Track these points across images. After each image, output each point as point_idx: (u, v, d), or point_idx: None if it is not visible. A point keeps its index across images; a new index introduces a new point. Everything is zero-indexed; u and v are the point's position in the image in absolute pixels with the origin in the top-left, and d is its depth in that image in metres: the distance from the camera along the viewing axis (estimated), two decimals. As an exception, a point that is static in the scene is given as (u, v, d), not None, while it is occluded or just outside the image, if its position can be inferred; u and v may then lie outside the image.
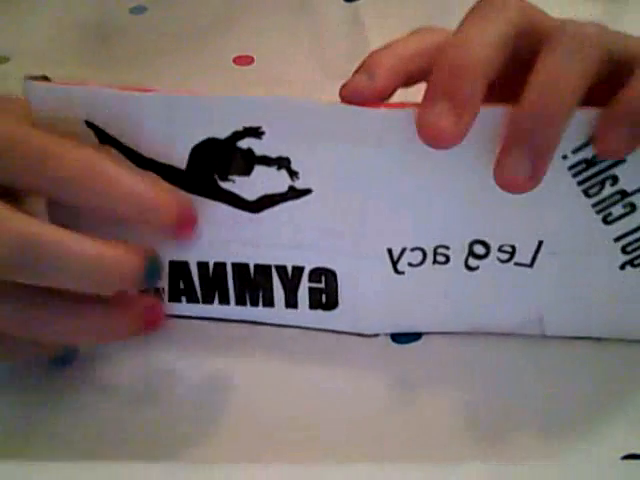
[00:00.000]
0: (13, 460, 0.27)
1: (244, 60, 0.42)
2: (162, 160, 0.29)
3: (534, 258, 0.29)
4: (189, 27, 0.45)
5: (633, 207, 0.28)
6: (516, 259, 0.29)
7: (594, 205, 0.28)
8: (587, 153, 0.27)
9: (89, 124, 0.28)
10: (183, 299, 0.32)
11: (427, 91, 0.26)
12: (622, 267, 0.29)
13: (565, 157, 0.27)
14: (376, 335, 0.32)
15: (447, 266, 0.30)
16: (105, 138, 0.28)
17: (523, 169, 0.25)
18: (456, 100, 0.25)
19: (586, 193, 0.28)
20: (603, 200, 0.28)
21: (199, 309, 0.32)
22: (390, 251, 0.29)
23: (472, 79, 0.25)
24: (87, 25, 0.43)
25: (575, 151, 0.27)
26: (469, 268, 0.30)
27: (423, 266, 0.30)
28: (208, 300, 0.32)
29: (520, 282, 0.30)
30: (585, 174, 0.27)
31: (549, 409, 0.30)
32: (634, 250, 0.29)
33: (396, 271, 0.30)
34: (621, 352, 0.31)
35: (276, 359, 0.31)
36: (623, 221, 0.28)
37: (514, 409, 0.30)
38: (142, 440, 0.29)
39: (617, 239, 0.29)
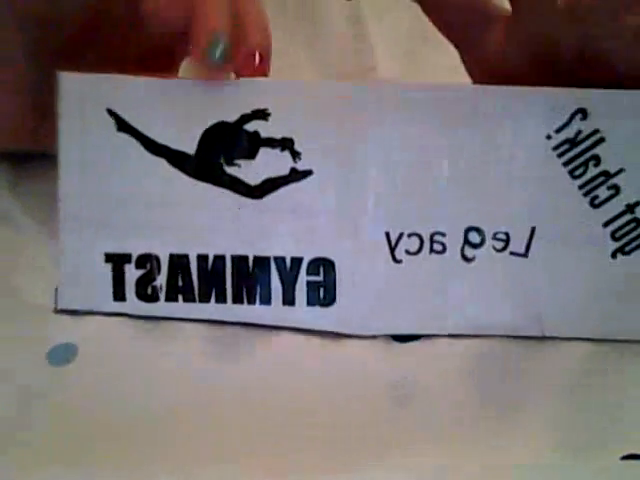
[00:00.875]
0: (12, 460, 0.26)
1: None
2: (174, 146, 0.30)
3: (528, 246, 0.30)
4: None
5: (617, 189, 0.29)
6: (511, 248, 0.30)
7: (580, 187, 0.30)
8: (569, 132, 0.29)
9: (110, 112, 0.30)
10: (180, 298, 0.32)
11: None
12: (614, 255, 0.30)
13: (549, 137, 0.29)
14: (374, 337, 0.31)
15: (444, 256, 0.30)
16: (123, 126, 0.31)
17: None
18: None
19: (572, 174, 0.29)
20: (588, 182, 0.29)
21: (195, 309, 0.32)
22: (388, 235, 0.30)
23: None
24: None
25: (558, 130, 0.29)
26: (466, 259, 0.30)
27: (420, 254, 0.30)
28: (205, 298, 0.31)
29: (516, 274, 0.30)
30: (569, 154, 0.29)
31: (549, 409, 0.29)
32: (623, 236, 0.30)
33: (394, 259, 0.30)
34: (621, 351, 0.31)
35: (274, 357, 0.31)
36: (609, 204, 0.30)
37: (514, 409, 0.29)
38: (141, 440, 0.28)
39: (606, 224, 0.30)
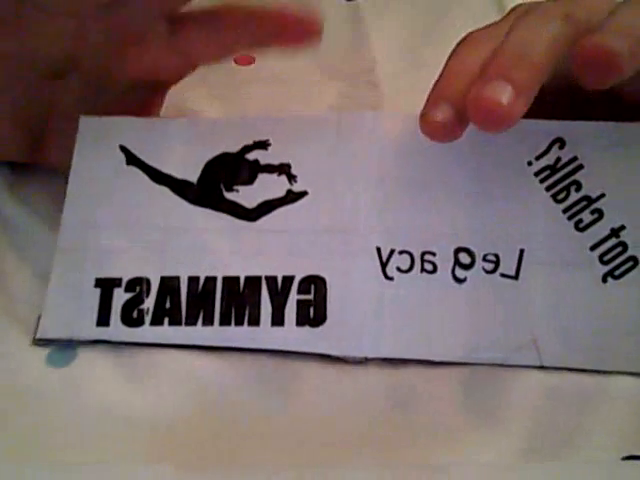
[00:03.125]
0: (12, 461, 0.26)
1: (245, 60, 0.41)
2: (179, 176, 0.32)
3: (518, 269, 0.30)
4: None
5: (600, 213, 0.30)
6: (501, 269, 0.30)
7: (564, 211, 0.31)
8: (549, 159, 0.31)
9: (122, 148, 0.33)
10: (165, 321, 0.31)
11: (486, 70, 0.27)
12: (604, 279, 0.30)
13: (530, 163, 0.31)
14: (365, 360, 0.30)
15: (435, 276, 0.30)
16: (132, 159, 0.33)
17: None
18: (516, 83, 0.26)
19: (555, 199, 0.31)
20: (571, 206, 0.31)
21: (181, 333, 0.30)
22: (379, 250, 0.30)
23: (536, 69, 0.26)
24: None
25: (538, 157, 0.31)
26: (457, 279, 0.30)
27: (412, 273, 0.30)
28: (191, 321, 0.31)
29: (508, 297, 0.30)
30: (551, 180, 0.31)
31: (548, 410, 0.28)
32: (611, 260, 0.30)
33: (385, 276, 0.30)
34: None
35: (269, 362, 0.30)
36: (594, 228, 0.30)
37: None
38: (140, 445, 0.27)
39: (592, 248, 0.30)
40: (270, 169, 0.32)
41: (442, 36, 0.38)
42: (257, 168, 0.32)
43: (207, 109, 0.37)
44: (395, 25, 0.40)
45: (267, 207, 0.32)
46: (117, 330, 0.31)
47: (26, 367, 0.30)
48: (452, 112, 0.27)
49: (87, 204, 0.32)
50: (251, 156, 0.32)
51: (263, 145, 0.32)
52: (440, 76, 0.29)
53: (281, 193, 0.32)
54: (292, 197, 0.32)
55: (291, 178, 0.32)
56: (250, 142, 0.32)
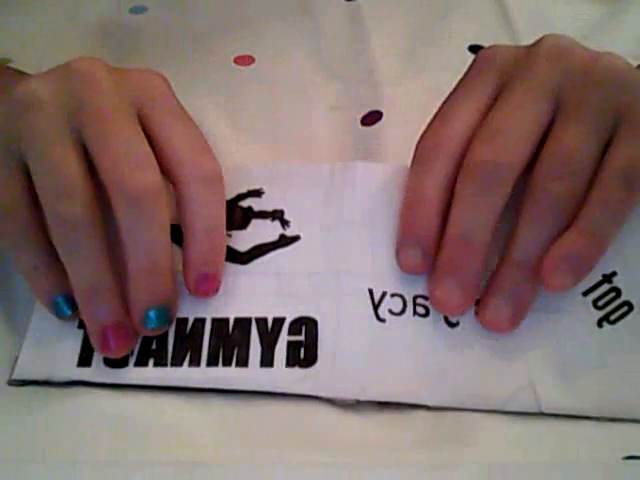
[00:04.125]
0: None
1: (244, 60, 0.41)
2: (172, 222, 0.32)
3: None
4: (189, 27, 0.43)
5: None
6: None
7: None
8: None
9: None
10: (150, 362, 0.30)
11: (437, 266, 0.29)
12: (599, 324, 0.29)
13: None
14: (357, 402, 0.28)
15: (427, 319, 0.30)
16: None
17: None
18: (462, 277, 0.29)
19: None
20: None
21: (166, 374, 0.29)
22: (371, 292, 0.30)
23: (477, 258, 0.29)
24: (88, 25, 0.43)
25: None
26: (449, 324, 0.30)
27: (404, 316, 0.30)
28: (177, 362, 0.29)
29: (503, 341, 0.29)
30: None
31: None
32: (606, 305, 0.30)
33: (377, 317, 0.30)
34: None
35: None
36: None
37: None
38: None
39: (585, 293, 0.30)
40: (263, 215, 0.32)
41: (442, 36, 0.37)
42: (250, 214, 0.32)
43: (207, 109, 0.37)
44: (395, 25, 0.40)
45: (259, 251, 0.32)
46: (98, 371, 0.30)
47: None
48: (422, 257, 0.30)
49: None
50: (245, 203, 0.33)
51: (257, 193, 0.33)
52: (407, 204, 0.30)
53: (274, 237, 0.32)
54: (285, 241, 0.32)
55: (284, 223, 0.32)
56: (244, 190, 0.33)
